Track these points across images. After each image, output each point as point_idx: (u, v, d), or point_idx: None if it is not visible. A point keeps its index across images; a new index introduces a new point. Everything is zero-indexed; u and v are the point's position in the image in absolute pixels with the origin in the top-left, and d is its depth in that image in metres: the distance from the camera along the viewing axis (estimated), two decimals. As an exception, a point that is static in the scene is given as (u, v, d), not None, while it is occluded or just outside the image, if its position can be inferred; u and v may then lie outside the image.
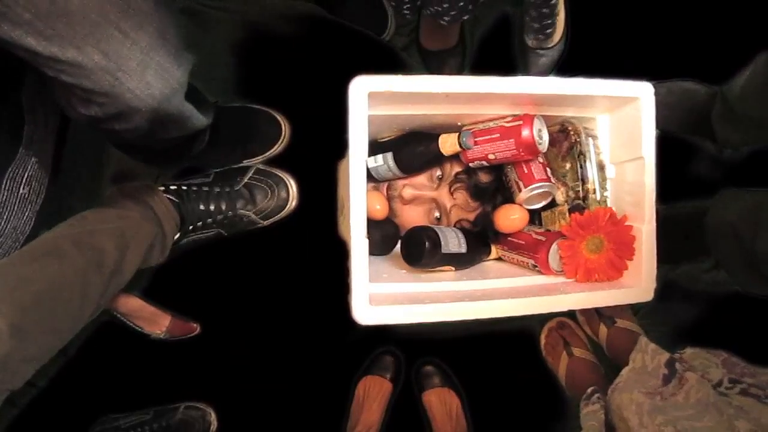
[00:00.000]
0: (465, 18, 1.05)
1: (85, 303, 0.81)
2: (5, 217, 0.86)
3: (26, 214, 0.90)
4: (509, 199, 1.08)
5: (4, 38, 0.63)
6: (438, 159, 1.00)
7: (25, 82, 0.85)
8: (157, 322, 1.20)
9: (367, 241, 0.84)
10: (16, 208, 0.88)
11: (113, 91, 0.69)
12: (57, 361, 1.22)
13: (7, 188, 0.85)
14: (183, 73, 0.77)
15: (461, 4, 1.00)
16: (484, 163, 1.00)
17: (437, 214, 1.07)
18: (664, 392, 0.81)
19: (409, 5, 1.09)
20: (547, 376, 1.29)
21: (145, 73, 0.70)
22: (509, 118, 0.96)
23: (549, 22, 1.10)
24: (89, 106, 0.73)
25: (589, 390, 0.98)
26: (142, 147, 1.05)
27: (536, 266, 1.00)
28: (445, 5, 1.00)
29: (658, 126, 0.95)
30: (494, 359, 1.31)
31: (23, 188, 0.88)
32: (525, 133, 0.93)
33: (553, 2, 1.04)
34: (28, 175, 0.88)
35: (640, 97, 0.94)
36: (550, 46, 1.25)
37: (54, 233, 0.86)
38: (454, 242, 0.97)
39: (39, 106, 0.88)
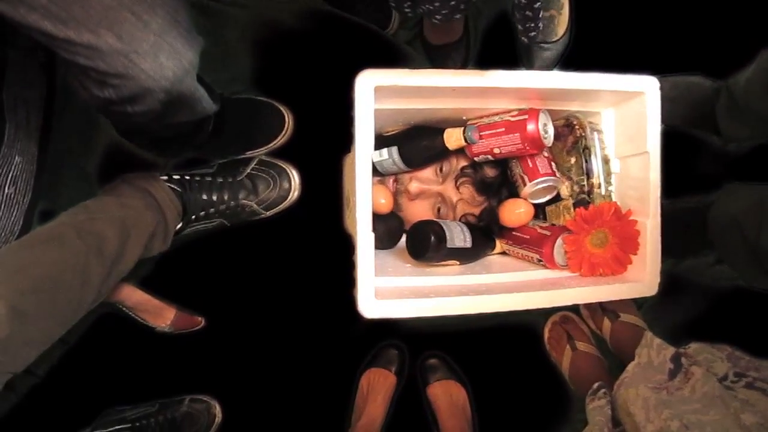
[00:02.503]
0: (457, 17, 1.04)
1: (85, 289, 0.82)
2: (-8, 216, 0.87)
3: (14, 214, 0.91)
4: (514, 193, 1.08)
5: (21, 22, 0.64)
6: (443, 153, 1.00)
7: (6, 80, 0.85)
8: (162, 316, 1.21)
9: (373, 235, 0.84)
10: (3, 207, 0.89)
11: (128, 73, 0.70)
12: (56, 350, 1.23)
13: None
14: (194, 54, 0.78)
15: (452, 3, 0.99)
16: (489, 157, 1.00)
17: (443, 208, 1.07)
18: (670, 387, 0.81)
19: (410, 2, 1.09)
20: (551, 370, 1.29)
21: (158, 55, 0.71)
22: (514, 113, 0.96)
23: (532, 25, 1.09)
24: (104, 89, 0.73)
25: (596, 385, 0.98)
26: (149, 133, 1.04)
27: (541, 260, 1.00)
28: (436, 4, 0.99)
29: (662, 120, 0.95)
30: (498, 353, 1.31)
31: (8, 188, 0.89)
32: (530, 127, 0.93)
33: (537, 6, 1.03)
34: (12, 175, 0.89)
35: (645, 91, 0.94)
36: (554, 39, 1.25)
37: (55, 221, 0.87)
38: (459, 237, 0.97)
39: (20, 105, 0.88)
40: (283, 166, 1.23)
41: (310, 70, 1.28)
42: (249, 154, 1.24)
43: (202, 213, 1.15)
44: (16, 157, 0.88)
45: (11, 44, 0.74)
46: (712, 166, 1.32)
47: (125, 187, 1.03)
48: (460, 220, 1.07)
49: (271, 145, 1.25)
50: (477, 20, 1.33)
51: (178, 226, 1.11)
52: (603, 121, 1.05)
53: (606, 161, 1.02)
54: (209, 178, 1.16)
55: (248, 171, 1.20)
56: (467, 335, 1.29)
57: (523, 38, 1.14)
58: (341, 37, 1.29)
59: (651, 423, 0.77)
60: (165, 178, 1.11)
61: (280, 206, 1.23)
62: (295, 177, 1.23)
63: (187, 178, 1.14)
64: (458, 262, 1.04)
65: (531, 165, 1.01)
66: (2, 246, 0.90)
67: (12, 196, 0.89)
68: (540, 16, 1.07)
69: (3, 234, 0.90)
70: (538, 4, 1.01)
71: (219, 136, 1.16)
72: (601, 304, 1.25)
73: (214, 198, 1.15)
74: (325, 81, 1.25)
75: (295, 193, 1.23)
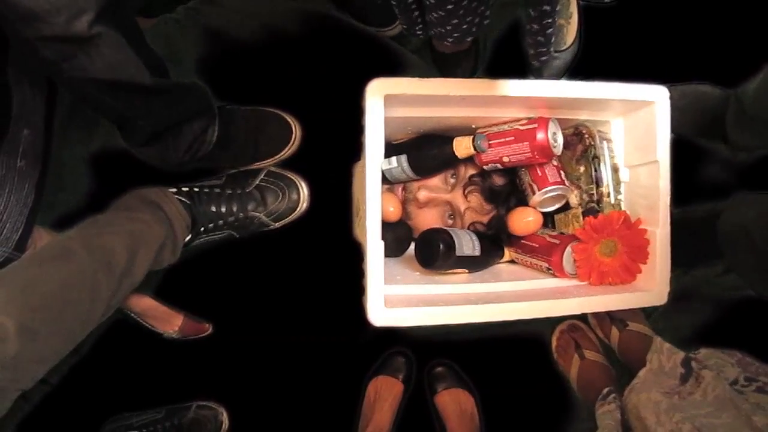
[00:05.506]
0: (468, 39, 1.05)
1: (95, 304, 0.82)
2: (7, 190, 0.88)
3: (26, 187, 0.91)
4: (523, 201, 1.08)
5: None
6: (452, 161, 1.00)
7: (10, 56, 0.85)
8: (169, 322, 1.21)
9: (382, 243, 0.84)
10: (16, 181, 0.89)
11: None
12: (69, 359, 1.23)
13: (4, 163, 0.86)
14: None
15: (464, 27, 1.00)
16: (498, 165, 1.00)
17: (451, 216, 1.07)
18: (682, 391, 0.81)
19: (421, 26, 1.09)
20: (559, 379, 1.29)
21: None
22: (524, 121, 0.96)
23: (544, 50, 1.09)
24: None
25: (605, 390, 0.98)
26: (142, 127, 1.01)
27: (550, 269, 1.00)
28: (448, 27, 1.00)
29: (671, 129, 0.95)
30: (506, 361, 1.31)
31: (20, 161, 0.89)
32: (539, 136, 0.93)
33: (549, 32, 1.03)
34: (23, 148, 0.89)
35: (654, 100, 0.94)
36: (562, 48, 1.25)
37: (63, 236, 0.88)
38: (468, 245, 0.97)
39: (25, 79, 0.88)
40: (292, 178, 1.23)
41: (316, 78, 1.29)
42: (257, 165, 1.24)
43: (211, 225, 1.15)
44: (25, 130, 0.89)
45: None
46: (722, 174, 1.31)
47: (134, 201, 1.04)
48: (468, 229, 1.07)
49: (279, 155, 1.24)
50: (487, 31, 1.33)
51: (187, 238, 1.11)
52: (612, 130, 1.05)
53: (615, 170, 1.02)
54: (218, 190, 1.17)
55: (257, 182, 1.20)
56: (475, 343, 1.29)
57: (534, 62, 1.15)
58: (347, 45, 1.30)
59: (662, 426, 0.77)
60: (173, 190, 1.11)
61: (289, 217, 1.23)
62: (303, 188, 1.23)
63: (196, 190, 1.14)
64: (467, 271, 1.04)
65: (540, 174, 1.01)
66: (18, 217, 0.90)
67: (23, 168, 0.90)
68: (552, 41, 1.08)
69: (17, 206, 0.90)
70: (551, 30, 1.01)
71: (225, 148, 1.17)
72: (609, 312, 1.24)
73: (223, 210, 1.15)
74: (331, 89, 1.25)
75: (304, 205, 1.23)
